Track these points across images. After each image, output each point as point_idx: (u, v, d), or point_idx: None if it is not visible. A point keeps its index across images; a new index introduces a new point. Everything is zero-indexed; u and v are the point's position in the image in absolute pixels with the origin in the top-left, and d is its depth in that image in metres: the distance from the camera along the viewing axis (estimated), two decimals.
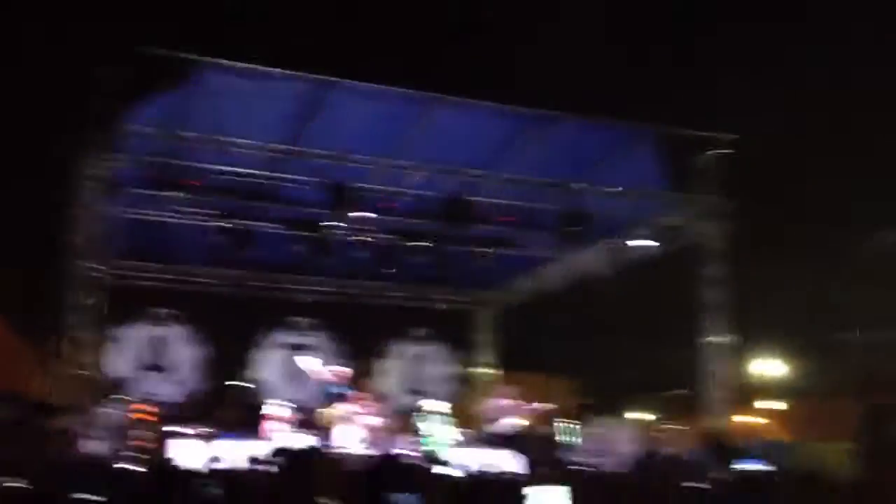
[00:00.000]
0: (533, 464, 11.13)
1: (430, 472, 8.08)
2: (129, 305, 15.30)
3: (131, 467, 9.15)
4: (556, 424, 14.31)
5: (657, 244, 14.63)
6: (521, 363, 17.41)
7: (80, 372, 11.50)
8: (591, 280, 15.93)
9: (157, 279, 16.33)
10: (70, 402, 10.86)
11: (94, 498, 6.25)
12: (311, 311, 17.73)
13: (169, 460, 9.97)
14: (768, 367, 17.29)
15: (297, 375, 17.24)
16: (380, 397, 15.04)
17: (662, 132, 13.12)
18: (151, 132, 11.48)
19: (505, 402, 15.03)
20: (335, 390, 14.43)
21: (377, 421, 13.54)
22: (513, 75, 11.22)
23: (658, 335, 14.29)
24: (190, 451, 11.05)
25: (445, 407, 14.52)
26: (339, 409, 13.71)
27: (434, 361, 18.42)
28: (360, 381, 15.05)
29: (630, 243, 14.77)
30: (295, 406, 14.35)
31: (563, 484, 5.33)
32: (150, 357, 16.28)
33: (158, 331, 16.41)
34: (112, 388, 14.42)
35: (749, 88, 12.45)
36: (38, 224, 11.33)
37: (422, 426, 14.05)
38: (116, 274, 14.06)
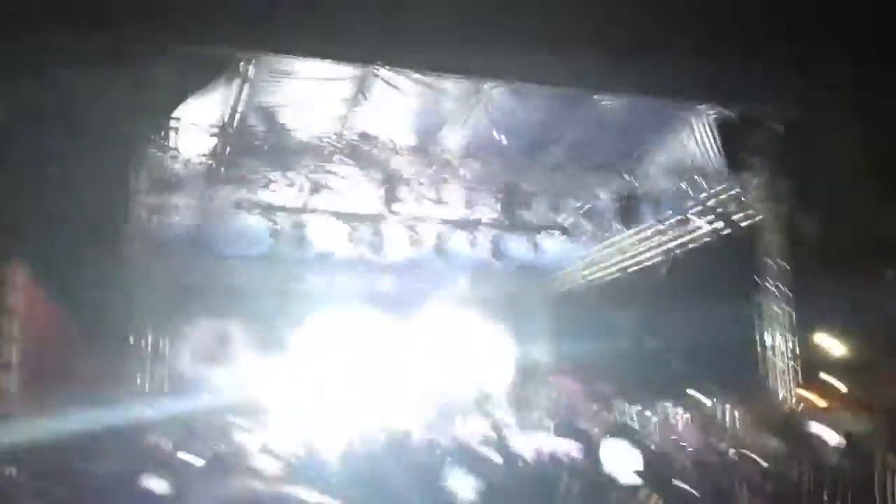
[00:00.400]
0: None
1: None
2: (190, 302, 15.63)
3: None
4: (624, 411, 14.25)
5: (714, 224, 14.42)
6: (578, 349, 17.24)
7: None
8: (648, 263, 15.79)
9: (214, 275, 16.53)
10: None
11: None
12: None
13: None
14: (833, 342, 16.86)
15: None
16: None
17: (717, 111, 12.89)
18: (208, 128, 11.68)
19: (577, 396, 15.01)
20: None
21: None
22: (559, 57, 11.00)
23: (720, 314, 14.02)
24: None
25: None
26: None
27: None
28: None
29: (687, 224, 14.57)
30: None
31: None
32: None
33: (220, 325, 16.75)
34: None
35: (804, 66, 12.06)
36: (98, 221, 11.50)
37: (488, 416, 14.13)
38: (177, 270, 14.35)
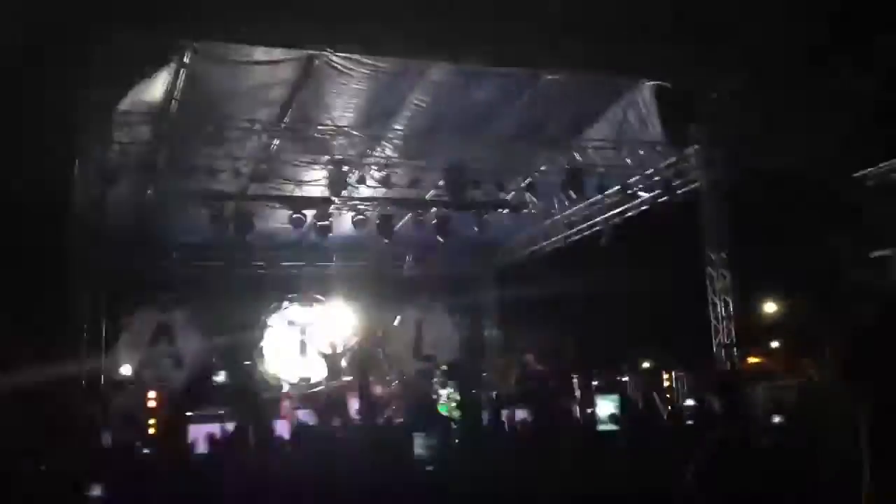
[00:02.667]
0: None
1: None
2: (133, 293, 15.30)
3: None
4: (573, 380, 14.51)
5: (656, 194, 14.70)
6: (524, 322, 17.50)
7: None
8: (591, 234, 16.02)
9: (158, 265, 16.25)
10: (87, 392, 10.88)
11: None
12: (314, 286, 17.82)
13: (190, 445, 10.02)
14: (773, 307, 17.45)
15: (303, 352, 17.39)
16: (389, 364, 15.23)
17: (657, 83, 13.08)
18: (146, 117, 11.42)
19: (531, 358, 15.18)
20: (341, 364, 14.63)
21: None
22: (501, 35, 11.03)
23: (663, 284, 14.39)
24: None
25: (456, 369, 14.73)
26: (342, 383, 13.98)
27: (441, 325, 18.56)
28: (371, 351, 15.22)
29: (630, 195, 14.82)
30: (299, 383, 14.55)
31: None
32: (159, 344, 16.35)
33: (164, 317, 16.46)
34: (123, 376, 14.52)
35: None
36: (35, 214, 11.19)
37: (442, 391, 14.29)
38: (118, 261, 14.00)
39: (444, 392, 14.43)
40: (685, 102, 13.57)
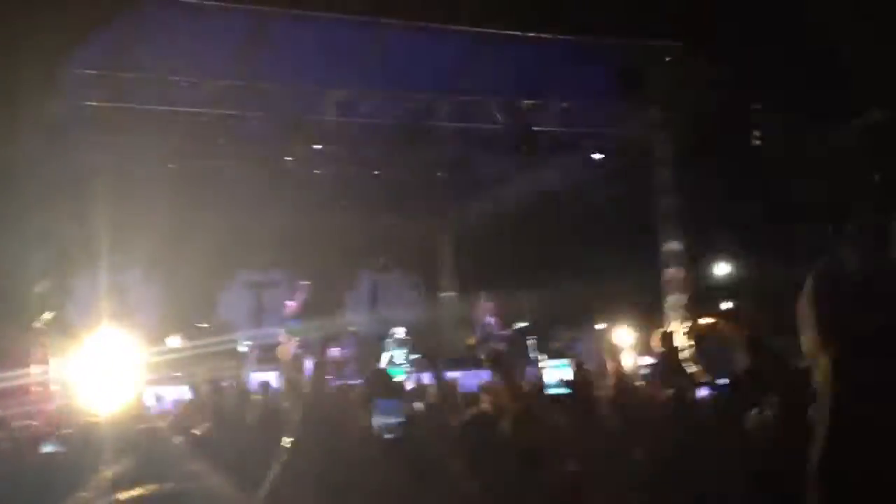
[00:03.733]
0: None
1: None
2: (86, 255, 15.05)
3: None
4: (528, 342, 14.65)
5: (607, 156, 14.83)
6: (481, 284, 17.57)
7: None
8: (545, 197, 16.10)
9: (113, 225, 16.03)
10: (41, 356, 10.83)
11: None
12: (272, 247, 17.69)
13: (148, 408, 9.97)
14: (723, 269, 17.70)
15: (261, 312, 17.34)
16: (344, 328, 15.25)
17: (609, 44, 13.16)
18: (95, 74, 11.24)
19: (490, 319, 15.26)
20: (293, 324, 14.62)
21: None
22: None
23: (615, 247, 14.55)
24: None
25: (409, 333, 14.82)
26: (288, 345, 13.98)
27: (397, 288, 18.61)
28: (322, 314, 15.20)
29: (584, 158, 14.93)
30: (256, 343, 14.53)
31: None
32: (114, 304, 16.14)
33: (118, 278, 16.24)
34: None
35: None
36: None
37: (390, 354, 14.34)
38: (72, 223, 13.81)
39: (392, 354, 14.52)
40: (640, 64, 13.70)
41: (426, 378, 13.20)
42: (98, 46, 10.84)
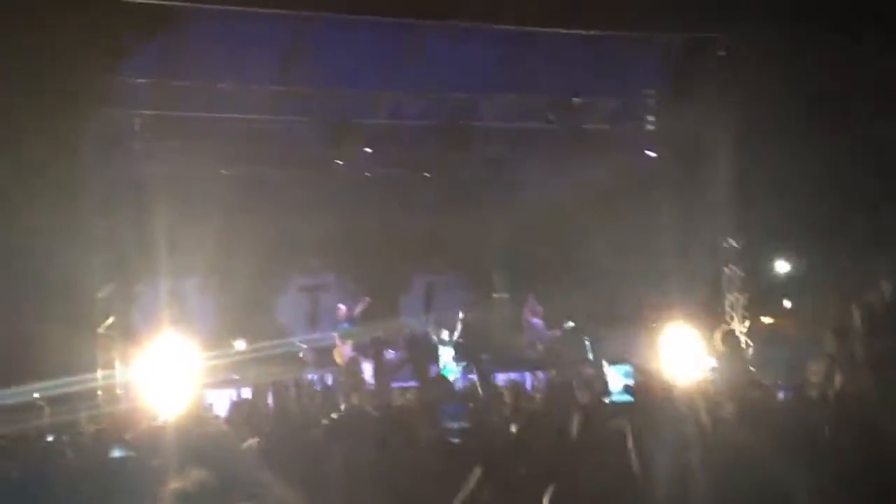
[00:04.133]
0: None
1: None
2: (146, 261, 15.29)
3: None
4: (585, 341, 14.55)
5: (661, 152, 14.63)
6: (534, 284, 17.45)
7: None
8: (598, 195, 15.93)
9: (170, 232, 16.25)
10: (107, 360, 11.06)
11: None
12: (325, 250, 17.79)
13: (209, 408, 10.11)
14: (784, 266, 17.38)
15: (316, 316, 17.46)
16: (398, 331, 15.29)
17: (659, 38, 12.98)
18: (145, 83, 11.42)
19: (536, 321, 15.22)
20: (347, 327, 14.71)
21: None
22: None
23: (671, 245, 14.35)
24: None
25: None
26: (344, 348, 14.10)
27: (450, 290, 18.56)
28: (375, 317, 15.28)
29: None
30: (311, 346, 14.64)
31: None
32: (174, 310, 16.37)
33: (177, 284, 16.47)
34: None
35: None
36: (47, 184, 11.28)
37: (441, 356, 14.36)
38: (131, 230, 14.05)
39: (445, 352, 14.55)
40: (695, 59, 13.48)
41: (474, 378, 13.28)
42: (149, 56, 11.01)
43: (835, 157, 15.12)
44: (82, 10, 9.63)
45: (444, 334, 15.18)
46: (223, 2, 10.51)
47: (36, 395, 10.07)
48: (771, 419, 4.87)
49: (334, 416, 6.10)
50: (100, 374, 11.69)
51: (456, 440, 4.18)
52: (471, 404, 4.80)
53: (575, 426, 4.51)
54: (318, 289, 18.01)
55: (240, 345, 13.70)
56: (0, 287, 12.35)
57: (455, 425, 4.31)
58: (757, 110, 13.89)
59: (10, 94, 9.83)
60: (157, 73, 11.37)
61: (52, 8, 9.79)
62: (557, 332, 15.48)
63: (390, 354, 14.56)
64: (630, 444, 4.30)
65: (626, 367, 5.20)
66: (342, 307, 15.40)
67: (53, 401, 10.14)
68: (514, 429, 5.05)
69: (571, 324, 15.28)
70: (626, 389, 5.28)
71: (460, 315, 15.75)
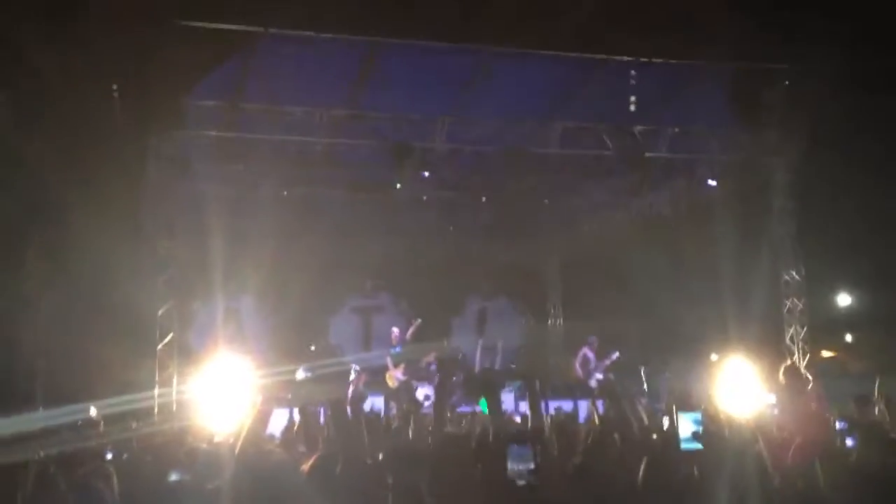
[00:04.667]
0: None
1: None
2: (204, 281, 15.51)
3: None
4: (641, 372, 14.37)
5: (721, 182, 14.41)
6: (589, 311, 17.31)
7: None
8: (656, 223, 15.77)
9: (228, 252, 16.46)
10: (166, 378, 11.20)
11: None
12: (380, 273, 17.89)
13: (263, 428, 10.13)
14: (845, 299, 16.98)
15: (368, 339, 17.51)
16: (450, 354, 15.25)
17: (722, 68, 12.80)
18: (214, 106, 11.61)
19: (590, 355, 15.09)
20: (399, 351, 14.71)
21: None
22: (565, 20, 10.96)
23: (731, 275, 14.09)
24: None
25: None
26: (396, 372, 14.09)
27: (504, 315, 18.52)
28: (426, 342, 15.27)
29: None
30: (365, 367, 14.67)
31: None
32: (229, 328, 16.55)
33: (233, 303, 16.67)
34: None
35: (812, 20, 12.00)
36: (112, 204, 11.54)
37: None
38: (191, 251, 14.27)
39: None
40: (753, 87, 13.27)
41: (524, 407, 13.12)
42: (217, 79, 11.19)
43: None
44: (153, 35, 9.83)
45: (498, 360, 15.13)
46: (291, 27, 10.62)
47: (94, 412, 10.23)
48: (841, 465, 4.70)
49: (390, 444, 6.03)
50: (157, 391, 11.82)
51: (522, 481, 4.10)
52: (538, 446, 4.68)
53: (642, 470, 4.42)
54: (372, 310, 18.09)
55: (303, 373, 13.69)
56: (65, 307, 12.63)
57: (523, 467, 4.24)
58: (820, 143, 13.65)
59: (80, 117, 10.08)
60: (225, 96, 11.53)
61: (123, 32, 10.01)
62: (607, 362, 15.32)
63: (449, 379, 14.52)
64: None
65: (696, 415, 5.04)
66: (395, 331, 15.41)
67: (113, 418, 10.29)
68: (574, 465, 4.96)
69: (615, 355, 15.15)
70: (695, 437, 5.12)
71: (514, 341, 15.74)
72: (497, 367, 15.64)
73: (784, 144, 13.58)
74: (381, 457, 5.53)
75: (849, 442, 6.38)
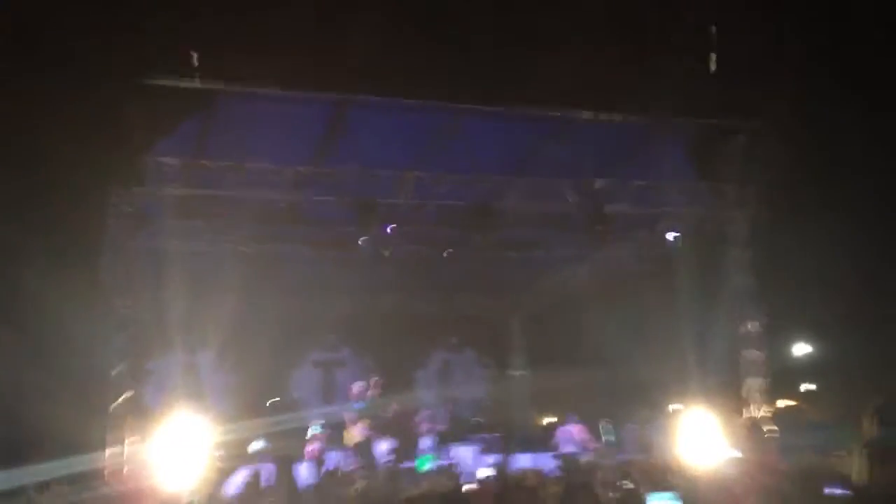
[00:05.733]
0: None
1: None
2: (161, 338, 15.20)
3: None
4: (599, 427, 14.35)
5: (681, 235, 14.59)
6: (553, 364, 17.32)
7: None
8: (619, 276, 15.89)
9: (187, 308, 16.20)
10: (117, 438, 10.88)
11: None
12: (343, 327, 17.74)
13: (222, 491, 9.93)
14: (803, 349, 17.19)
15: (330, 393, 17.31)
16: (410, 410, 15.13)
17: (682, 124, 13.03)
18: (175, 163, 11.49)
19: (574, 433, 15.03)
20: (358, 406, 14.55)
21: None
22: (529, 79, 11.12)
23: (690, 328, 14.23)
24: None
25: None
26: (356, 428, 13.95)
27: (468, 368, 18.46)
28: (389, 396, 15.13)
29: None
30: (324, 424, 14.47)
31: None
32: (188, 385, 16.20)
33: (192, 359, 16.34)
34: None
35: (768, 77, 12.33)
36: (68, 260, 11.30)
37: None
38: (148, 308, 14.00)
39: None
40: (711, 142, 13.53)
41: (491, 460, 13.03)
42: (180, 136, 11.09)
43: (855, 243, 15.13)
44: (114, 92, 9.74)
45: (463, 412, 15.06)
46: (254, 85, 10.58)
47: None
48: None
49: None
50: (109, 451, 11.48)
51: None
52: None
53: None
54: (334, 364, 17.90)
55: (253, 445, 13.43)
56: (17, 366, 12.28)
57: None
58: (777, 196, 13.92)
59: (38, 174, 9.91)
60: (186, 153, 11.42)
61: (82, 89, 9.92)
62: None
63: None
64: None
65: (670, 494, 4.96)
66: (356, 386, 15.26)
67: (61, 481, 9.98)
68: None
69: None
70: None
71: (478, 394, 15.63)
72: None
73: (742, 197, 13.83)
74: None
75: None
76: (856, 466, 7.13)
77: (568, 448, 14.62)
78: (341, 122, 11.47)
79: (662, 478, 5.59)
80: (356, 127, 11.58)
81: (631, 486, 6.98)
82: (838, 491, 5.56)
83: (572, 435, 14.87)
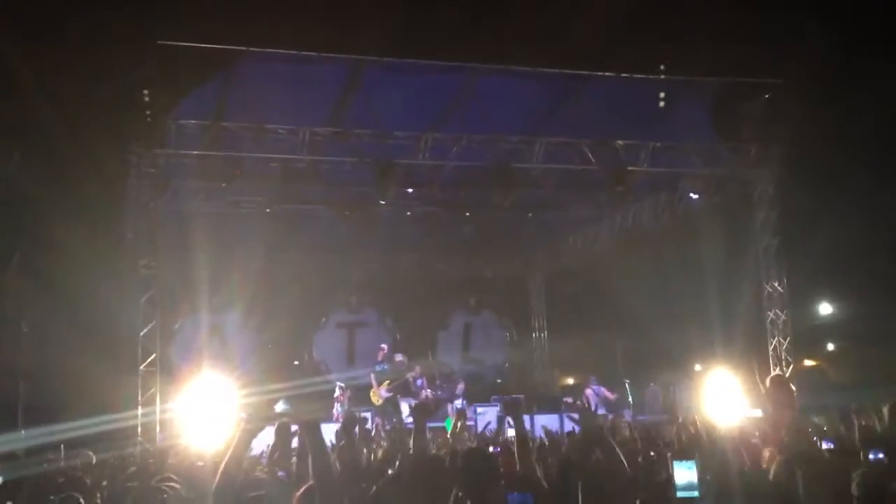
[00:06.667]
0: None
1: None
2: (186, 298, 15.42)
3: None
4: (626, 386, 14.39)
5: (704, 196, 14.47)
6: (574, 326, 17.35)
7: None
8: (640, 237, 15.83)
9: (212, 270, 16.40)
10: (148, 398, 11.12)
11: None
12: (365, 289, 17.86)
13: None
14: (827, 309, 17.07)
15: (353, 354, 17.48)
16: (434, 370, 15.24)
17: (705, 83, 12.88)
18: (195, 125, 11.58)
19: (596, 394, 15.10)
20: (381, 368, 14.69)
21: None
22: (549, 37, 11.04)
23: (713, 288, 14.17)
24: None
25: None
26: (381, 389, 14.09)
27: (487, 330, 18.53)
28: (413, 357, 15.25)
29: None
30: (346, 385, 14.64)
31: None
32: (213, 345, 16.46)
33: (217, 320, 16.60)
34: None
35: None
36: (94, 222, 11.48)
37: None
38: (172, 269, 14.18)
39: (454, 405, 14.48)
40: (740, 104, 13.36)
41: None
42: (200, 99, 11.16)
43: (879, 203, 14.95)
44: (136, 56, 9.82)
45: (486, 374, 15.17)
46: (273, 46, 10.62)
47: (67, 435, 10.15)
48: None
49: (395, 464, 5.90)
50: (141, 410, 11.73)
51: None
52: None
53: None
54: (357, 325, 18.06)
55: (278, 406, 13.62)
56: (49, 328, 12.51)
57: None
58: (802, 156, 13.76)
59: (63, 138, 10.05)
60: (207, 115, 11.50)
61: (107, 53, 10.01)
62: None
63: (427, 393, 14.50)
64: None
65: (691, 463, 4.97)
66: (384, 347, 15.39)
67: (95, 438, 10.20)
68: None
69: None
70: (691, 485, 5.06)
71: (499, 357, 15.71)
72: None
73: (765, 157, 13.67)
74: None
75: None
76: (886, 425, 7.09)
77: (591, 408, 14.67)
78: (358, 83, 11.44)
79: (686, 443, 5.59)
80: (373, 89, 11.57)
81: (652, 454, 6.99)
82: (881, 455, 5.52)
83: (595, 396, 14.92)
